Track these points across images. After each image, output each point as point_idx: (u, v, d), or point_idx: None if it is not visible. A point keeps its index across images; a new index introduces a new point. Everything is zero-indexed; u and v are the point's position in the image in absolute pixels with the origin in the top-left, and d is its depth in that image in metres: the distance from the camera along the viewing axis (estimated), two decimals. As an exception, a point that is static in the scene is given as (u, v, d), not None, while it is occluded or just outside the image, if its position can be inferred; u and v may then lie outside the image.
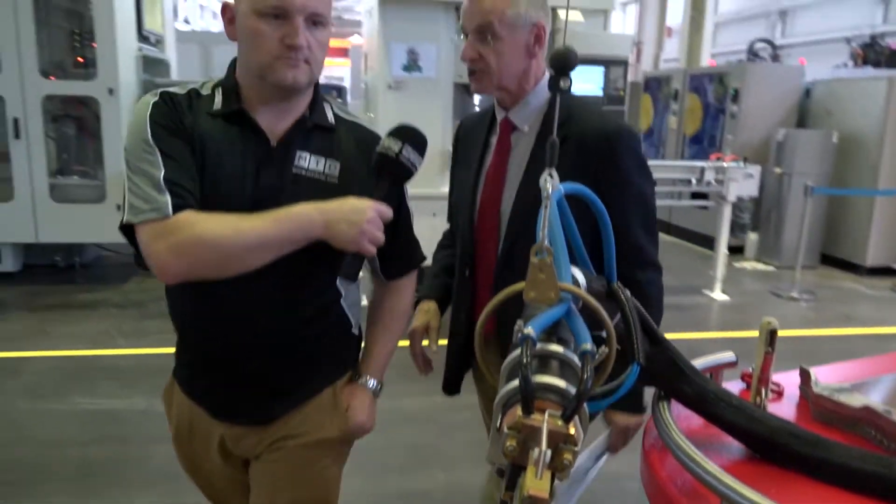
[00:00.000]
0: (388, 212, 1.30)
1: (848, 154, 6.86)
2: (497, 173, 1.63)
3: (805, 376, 1.32)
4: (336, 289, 1.44)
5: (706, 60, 10.33)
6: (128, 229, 1.27)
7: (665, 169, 5.64)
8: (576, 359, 0.70)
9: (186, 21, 15.78)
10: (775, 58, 10.40)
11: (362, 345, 1.56)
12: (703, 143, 7.96)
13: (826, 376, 1.37)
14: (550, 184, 0.78)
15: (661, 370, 1.13)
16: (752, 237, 7.32)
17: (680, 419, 1.18)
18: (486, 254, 1.66)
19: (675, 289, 6.16)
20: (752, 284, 6.49)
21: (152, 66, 6.18)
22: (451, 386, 1.80)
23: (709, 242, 6.71)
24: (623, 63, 4.78)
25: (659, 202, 6.68)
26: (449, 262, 1.80)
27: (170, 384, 1.51)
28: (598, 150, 1.48)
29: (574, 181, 1.24)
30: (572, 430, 0.64)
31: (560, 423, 0.64)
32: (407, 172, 1.34)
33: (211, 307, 1.35)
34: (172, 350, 1.51)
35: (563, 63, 0.79)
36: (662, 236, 8.63)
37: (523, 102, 1.59)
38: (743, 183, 5.53)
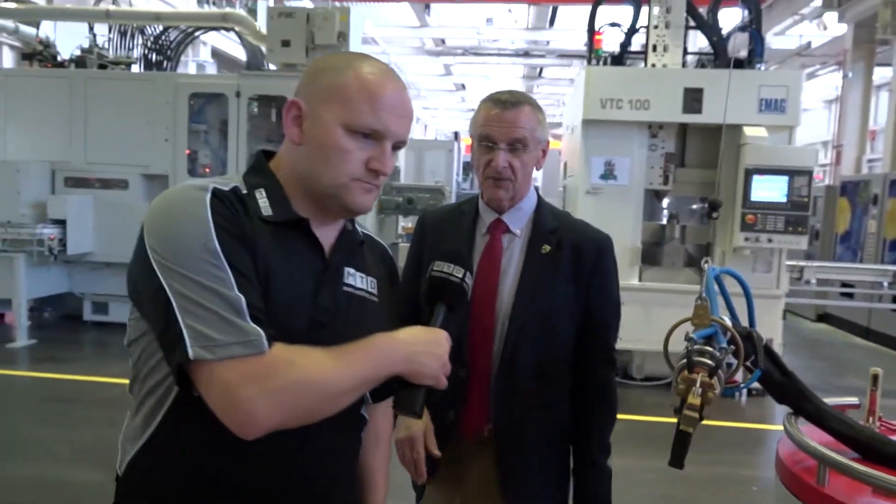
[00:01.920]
0: (450, 341, 1.16)
1: None
2: (491, 274, 1.69)
3: (912, 418, 1.81)
4: (363, 418, 1.29)
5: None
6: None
7: (854, 271, 5.79)
8: (717, 352, 1.38)
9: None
10: None
11: None
12: (905, 248, 7.79)
13: (935, 423, 1.84)
14: (708, 265, 1.48)
15: (791, 394, 1.72)
16: (965, 348, 6.96)
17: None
18: (482, 353, 1.67)
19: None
20: (961, 395, 6.19)
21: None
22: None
23: (911, 349, 6.55)
24: (807, 173, 5.18)
25: (853, 304, 6.91)
26: None
27: None
28: (592, 256, 1.71)
29: (573, 281, 1.69)
30: (714, 382, 1.32)
31: (707, 378, 1.32)
32: (465, 299, 1.24)
33: (249, 461, 1.08)
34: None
35: (715, 205, 1.49)
36: (859, 341, 8.38)
37: (517, 207, 1.73)
38: (942, 288, 5.51)
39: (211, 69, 13.52)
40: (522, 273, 1.69)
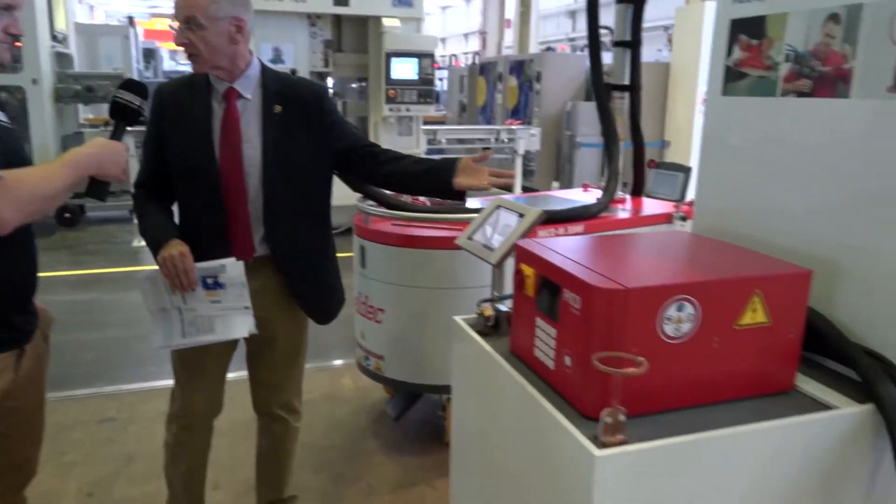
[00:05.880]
0: (128, 151, 1.62)
1: (617, 120, 9.20)
2: (233, 135, 1.91)
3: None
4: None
5: (534, 46, 12.54)
6: None
7: (472, 132, 7.66)
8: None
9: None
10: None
11: None
12: (520, 114, 10.12)
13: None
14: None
15: (372, 194, 2.99)
16: (555, 185, 9.54)
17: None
18: (237, 202, 1.92)
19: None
20: (548, 218, 8.65)
21: (62, 59, 7.51)
22: None
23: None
24: (430, 55, 6.70)
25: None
26: (166, 210, 2.01)
27: None
28: (315, 104, 1.99)
29: (308, 131, 1.97)
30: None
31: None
32: (140, 118, 1.72)
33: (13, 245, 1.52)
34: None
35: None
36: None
37: (244, 76, 1.92)
38: (529, 140, 7.62)
39: None
40: (263, 130, 1.92)
